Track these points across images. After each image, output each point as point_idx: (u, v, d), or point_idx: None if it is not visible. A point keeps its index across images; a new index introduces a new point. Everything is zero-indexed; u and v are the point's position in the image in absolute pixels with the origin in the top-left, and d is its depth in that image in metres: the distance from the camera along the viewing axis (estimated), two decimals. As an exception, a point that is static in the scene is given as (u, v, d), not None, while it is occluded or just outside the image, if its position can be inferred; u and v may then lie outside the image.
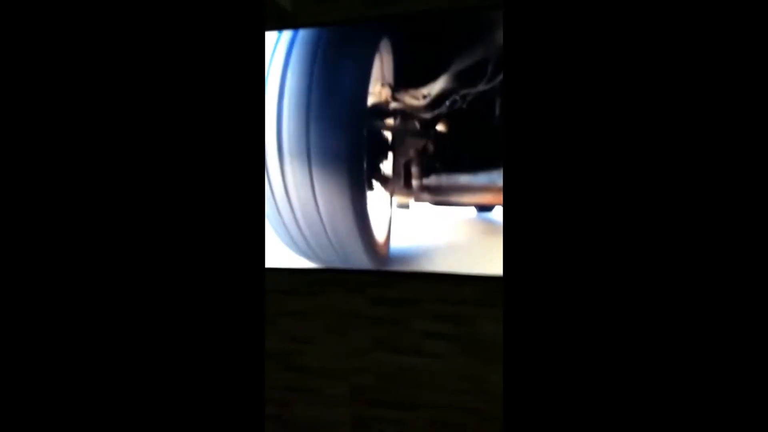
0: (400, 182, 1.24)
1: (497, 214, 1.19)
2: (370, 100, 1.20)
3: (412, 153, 1.21)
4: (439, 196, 1.22)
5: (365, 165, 1.24)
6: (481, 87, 1.10)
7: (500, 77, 1.04)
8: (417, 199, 1.24)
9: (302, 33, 1.23)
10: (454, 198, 1.21)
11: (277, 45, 1.25)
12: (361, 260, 1.33)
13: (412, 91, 1.18)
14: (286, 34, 1.24)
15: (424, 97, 1.17)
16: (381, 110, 1.21)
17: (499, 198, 1.16)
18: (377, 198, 1.27)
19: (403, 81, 1.19)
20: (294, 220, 1.35)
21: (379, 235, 1.30)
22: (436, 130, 1.18)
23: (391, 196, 1.26)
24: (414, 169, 1.22)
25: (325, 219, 1.31)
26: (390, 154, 1.24)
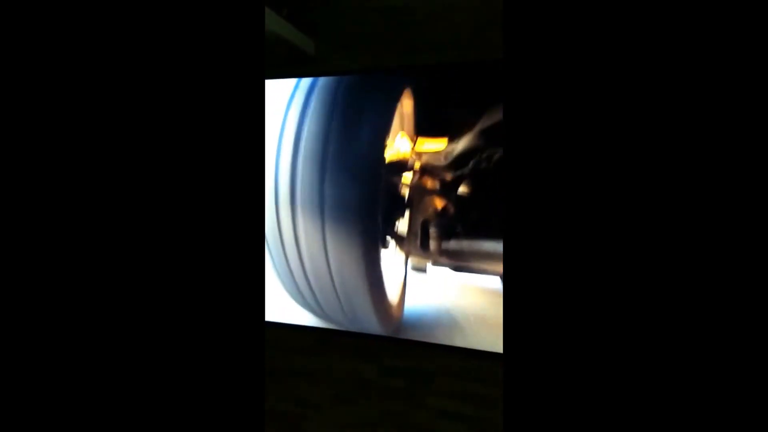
0: (417, 243, 1.12)
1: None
2: (389, 154, 1.11)
3: (430, 213, 1.10)
4: (460, 261, 1.09)
5: (380, 221, 1.14)
6: (510, 147, 0.98)
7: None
8: (435, 263, 1.11)
9: (322, 80, 1.17)
10: (476, 265, 1.07)
11: (295, 92, 1.19)
12: (370, 322, 1.21)
13: (434, 148, 1.08)
14: (306, 81, 1.18)
15: (447, 154, 1.06)
16: (399, 165, 1.11)
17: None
18: (392, 258, 1.16)
19: (424, 136, 1.09)
20: (303, 272, 1.25)
21: (392, 298, 1.18)
22: (458, 191, 1.06)
23: (407, 257, 1.14)
24: (432, 231, 1.10)
25: (334, 274, 1.21)
26: (407, 213, 1.13)
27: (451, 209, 1.07)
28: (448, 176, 1.07)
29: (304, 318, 1.29)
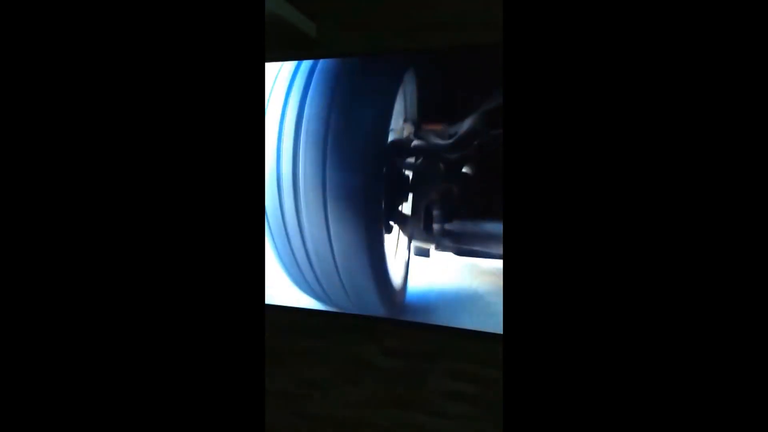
0: (420, 226, 1.12)
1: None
2: (391, 137, 1.11)
3: (433, 195, 1.10)
4: (463, 244, 1.09)
5: (383, 205, 1.14)
6: (514, 128, 0.97)
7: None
8: (438, 246, 1.12)
9: (323, 62, 1.16)
10: (479, 247, 1.08)
11: (296, 74, 1.18)
12: (373, 305, 1.22)
13: (437, 129, 1.07)
14: (307, 64, 1.17)
15: (450, 136, 1.06)
16: (402, 148, 1.10)
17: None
18: (395, 241, 1.16)
19: (427, 118, 1.08)
20: (306, 256, 1.26)
21: (396, 281, 1.19)
22: (461, 173, 1.07)
23: (410, 240, 1.15)
24: (435, 213, 1.10)
25: (338, 258, 1.22)
26: (410, 195, 1.13)
27: (455, 191, 1.08)
28: (452, 157, 1.07)
29: (307, 302, 1.30)
